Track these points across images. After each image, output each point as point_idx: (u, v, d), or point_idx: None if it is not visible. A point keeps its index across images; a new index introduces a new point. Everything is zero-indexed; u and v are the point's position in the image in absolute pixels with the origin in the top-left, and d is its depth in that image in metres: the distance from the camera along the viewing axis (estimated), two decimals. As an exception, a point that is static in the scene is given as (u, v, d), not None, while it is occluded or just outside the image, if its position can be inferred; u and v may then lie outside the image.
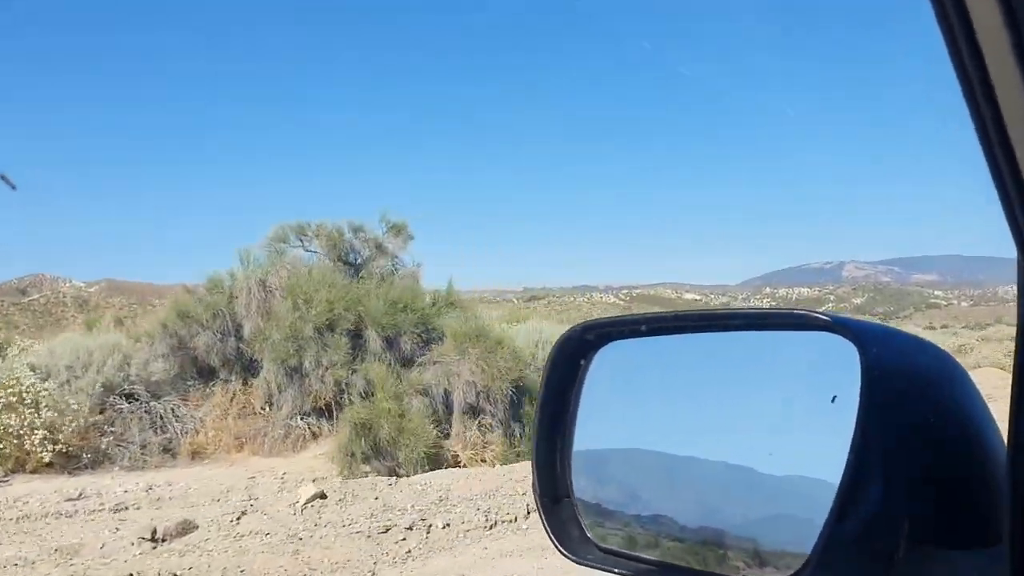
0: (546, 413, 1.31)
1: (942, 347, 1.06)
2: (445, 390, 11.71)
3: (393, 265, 14.93)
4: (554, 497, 1.30)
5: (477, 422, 11.60)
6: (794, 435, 1.12)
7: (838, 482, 0.90)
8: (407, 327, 12.52)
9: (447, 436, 11.54)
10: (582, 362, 1.32)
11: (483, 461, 11.20)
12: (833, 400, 1.01)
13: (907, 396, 0.96)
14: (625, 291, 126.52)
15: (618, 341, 1.32)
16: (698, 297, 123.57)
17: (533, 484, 1.31)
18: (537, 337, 14.09)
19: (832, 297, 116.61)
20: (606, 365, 1.32)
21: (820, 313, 1.06)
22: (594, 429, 1.32)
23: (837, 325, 1.01)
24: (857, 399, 0.93)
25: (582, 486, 1.30)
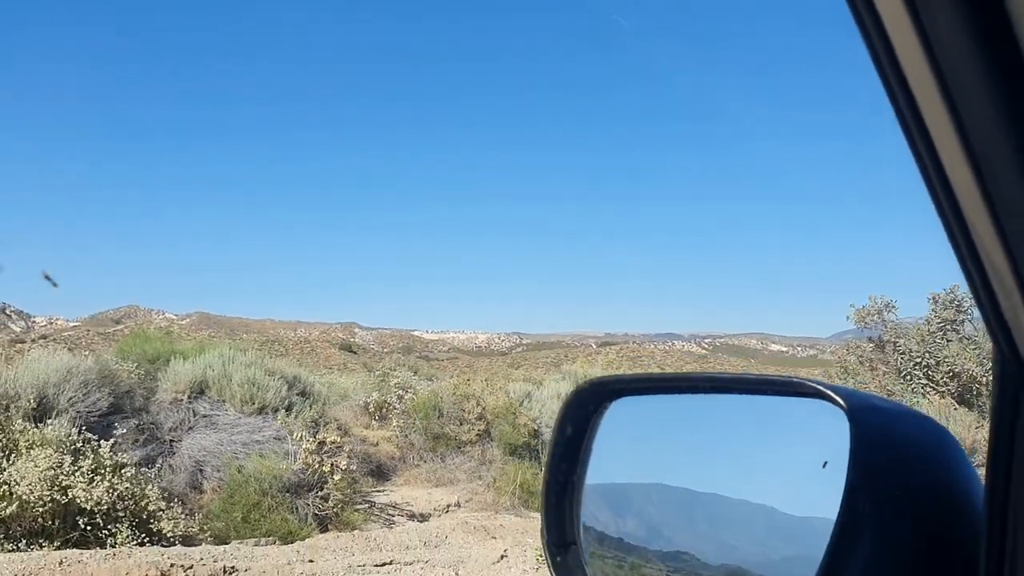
0: (556, 462, 1.38)
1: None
2: None
3: None
4: (562, 544, 1.36)
5: None
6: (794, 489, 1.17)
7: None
8: None
9: None
10: (592, 415, 1.38)
11: None
12: (824, 465, 1.05)
13: (891, 465, 0.99)
14: (709, 340, 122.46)
15: (627, 397, 1.39)
16: (784, 349, 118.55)
17: (541, 530, 1.37)
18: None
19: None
20: (615, 419, 1.39)
21: (812, 381, 1.11)
22: (608, 469, 1.39)
23: (828, 393, 1.06)
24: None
25: (604, 520, 1.39)
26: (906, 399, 11.06)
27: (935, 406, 10.03)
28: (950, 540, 0.96)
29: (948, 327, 10.97)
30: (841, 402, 1.02)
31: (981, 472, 0.95)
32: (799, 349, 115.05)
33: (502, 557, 8.73)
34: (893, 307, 12.01)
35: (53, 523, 8.70)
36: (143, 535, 8.85)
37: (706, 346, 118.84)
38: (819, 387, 1.08)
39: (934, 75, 0.62)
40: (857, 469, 0.95)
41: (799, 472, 1.18)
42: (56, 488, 8.50)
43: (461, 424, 14.06)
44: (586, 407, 1.38)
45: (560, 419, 1.40)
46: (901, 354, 11.14)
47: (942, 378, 10.66)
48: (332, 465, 10.36)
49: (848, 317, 12.28)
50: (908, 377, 11.03)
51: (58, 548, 8.29)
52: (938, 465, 1.00)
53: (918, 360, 10.87)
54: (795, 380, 1.16)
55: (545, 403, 15.52)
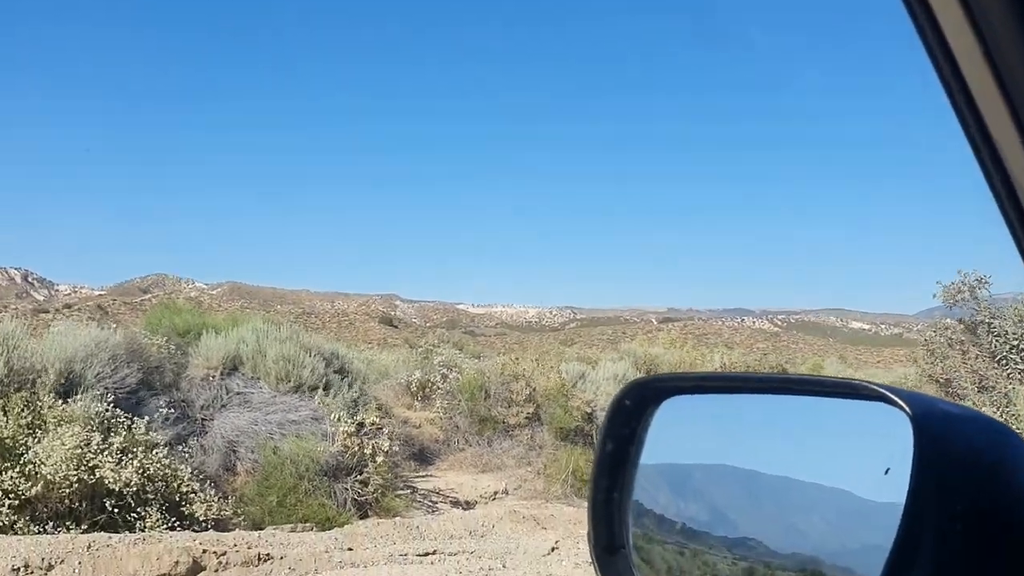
0: (604, 463, 1.40)
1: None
2: None
3: None
4: (609, 548, 1.37)
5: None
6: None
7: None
8: None
9: None
10: (640, 418, 1.40)
11: None
12: (887, 472, 1.07)
13: (956, 473, 1.00)
14: (783, 317, 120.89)
15: (677, 397, 1.41)
16: (866, 327, 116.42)
17: (588, 535, 1.38)
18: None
19: None
20: (667, 415, 1.41)
21: (874, 384, 1.13)
22: (666, 451, 1.42)
23: (891, 397, 1.07)
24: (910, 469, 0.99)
25: (663, 502, 1.42)
26: (1001, 386, 10.85)
27: (1034, 394, 9.83)
28: (1015, 549, 0.97)
29: (1051, 306, 10.71)
30: (905, 407, 1.03)
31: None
32: (882, 327, 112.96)
33: (553, 549, 8.80)
34: (987, 282, 11.69)
35: (80, 505, 8.98)
36: (174, 518, 9.10)
37: (779, 323, 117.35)
38: (881, 390, 1.08)
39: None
40: (921, 477, 0.96)
41: (861, 478, 1.18)
42: (83, 468, 8.76)
43: (509, 406, 14.18)
44: (633, 410, 1.40)
45: (607, 418, 1.42)
46: (996, 336, 10.91)
47: (1042, 363, 10.42)
48: (373, 448, 10.53)
49: (935, 295, 12.00)
50: (1004, 362, 10.79)
51: (85, 531, 8.55)
52: (1004, 474, 1.00)
53: (1015, 343, 10.63)
54: (856, 383, 1.17)
55: (600, 385, 15.56)
